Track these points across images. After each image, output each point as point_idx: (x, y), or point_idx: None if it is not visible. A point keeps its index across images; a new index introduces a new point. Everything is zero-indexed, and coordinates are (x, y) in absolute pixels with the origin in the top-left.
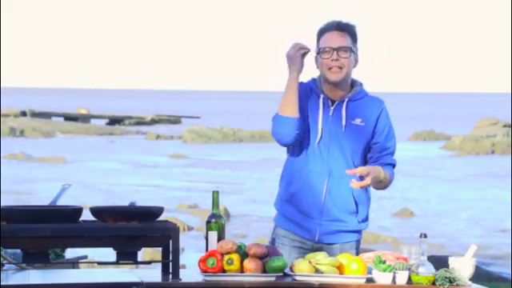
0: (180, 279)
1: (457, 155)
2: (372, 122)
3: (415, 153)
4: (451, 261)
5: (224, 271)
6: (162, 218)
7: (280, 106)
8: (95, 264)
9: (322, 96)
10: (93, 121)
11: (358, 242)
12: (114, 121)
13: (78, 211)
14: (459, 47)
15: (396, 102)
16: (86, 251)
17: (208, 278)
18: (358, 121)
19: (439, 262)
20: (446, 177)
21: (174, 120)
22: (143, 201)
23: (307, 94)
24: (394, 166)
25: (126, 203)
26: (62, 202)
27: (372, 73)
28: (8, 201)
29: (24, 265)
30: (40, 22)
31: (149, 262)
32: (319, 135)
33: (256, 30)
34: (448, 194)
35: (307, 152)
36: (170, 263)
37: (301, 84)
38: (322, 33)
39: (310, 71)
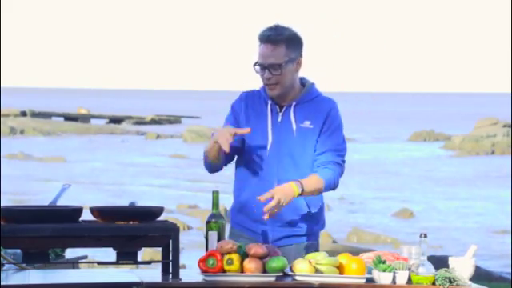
0: (180, 279)
1: (457, 155)
2: (320, 123)
3: (415, 153)
4: (451, 261)
5: (224, 271)
6: (161, 218)
7: (205, 151)
8: (95, 264)
9: (269, 102)
10: (93, 121)
11: (317, 243)
12: (114, 121)
13: (78, 211)
14: (459, 47)
15: (396, 102)
16: (86, 251)
17: (208, 278)
18: (306, 123)
19: (439, 262)
20: (445, 177)
21: (174, 120)
22: (143, 201)
23: (255, 101)
24: (338, 164)
25: (125, 203)
26: (61, 202)
27: (372, 73)
28: (8, 201)
29: (24, 265)
30: (40, 22)
31: (149, 262)
32: (269, 142)
33: (256, 29)
34: (448, 194)
35: (256, 160)
36: (170, 263)
37: (251, 92)
38: (259, 40)
39: None
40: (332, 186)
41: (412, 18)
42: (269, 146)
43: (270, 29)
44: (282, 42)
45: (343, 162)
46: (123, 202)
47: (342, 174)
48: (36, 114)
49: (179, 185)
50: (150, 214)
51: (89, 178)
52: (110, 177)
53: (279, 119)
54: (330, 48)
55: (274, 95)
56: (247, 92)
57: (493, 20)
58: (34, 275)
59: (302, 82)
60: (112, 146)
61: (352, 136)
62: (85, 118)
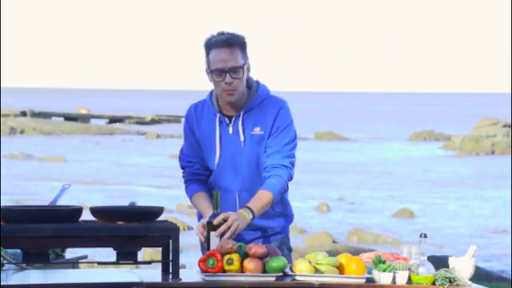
0: (180, 279)
1: (457, 155)
2: (269, 127)
3: (415, 153)
4: (451, 261)
5: (224, 271)
6: (161, 218)
7: (196, 208)
8: (95, 264)
9: (218, 115)
10: (93, 121)
11: (288, 238)
12: (114, 121)
13: (78, 211)
14: (459, 47)
15: (396, 102)
16: (86, 251)
17: (208, 278)
18: (257, 130)
19: (439, 262)
20: (445, 177)
21: (174, 120)
22: (143, 201)
23: (204, 114)
24: (285, 165)
25: (126, 203)
26: (61, 202)
27: (372, 73)
28: (8, 201)
29: (24, 265)
30: (40, 21)
31: (149, 262)
32: (219, 156)
33: (255, 29)
34: (448, 194)
35: (215, 173)
36: (170, 263)
37: (200, 103)
38: (209, 47)
39: None
40: (282, 192)
41: (412, 17)
42: (220, 159)
43: (221, 34)
44: (237, 45)
45: (291, 163)
46: (123, 202)
47: (290, 176)
48: (36, 114)
49: (179, 185)
50: (150, 213)
51: (89, 178)
52: (110, 177)
53: (230, 131)
54: (329, 48)
55: (232, 101)
56: (196, 104)
57: (493, 20)
58: (34, 275)
59: (248, 82)
60: (112, 146)
61: (352, 136)
62: (85, 118)
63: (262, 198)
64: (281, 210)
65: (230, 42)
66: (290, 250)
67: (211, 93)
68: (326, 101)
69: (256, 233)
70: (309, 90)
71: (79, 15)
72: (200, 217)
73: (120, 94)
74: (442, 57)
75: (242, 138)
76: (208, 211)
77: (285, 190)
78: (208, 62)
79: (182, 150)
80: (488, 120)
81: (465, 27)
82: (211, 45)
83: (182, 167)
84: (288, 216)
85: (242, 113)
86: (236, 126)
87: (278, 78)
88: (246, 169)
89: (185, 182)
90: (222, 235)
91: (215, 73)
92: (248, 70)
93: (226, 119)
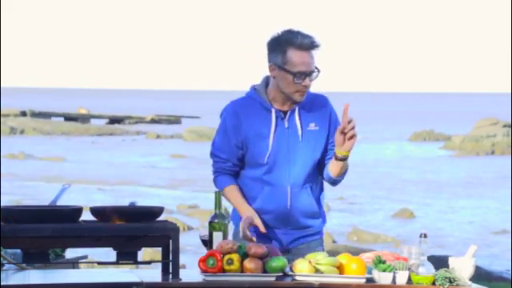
0: (180, 279)
1: (457, 155)
2: (325, 123)
3: (415, 153)
4: (451, 261)
5: (224, 271)
6: (162, 218)
7: (229, 201)
8: (95, 264)
9: (273, 110)
10: (93, 121)
11: (322, 239)
12: (114, 121)
13: (78, 211)
14: (459, 47)
15: (396, 101)
16: (86, 251)
17: (208, 278)
18: (312, 126)
19: (439, 262)
20: (445, 177)
21: (174, 120)
22: (143, 201)
23: (250, 110)
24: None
25: (126, 203)
26: (61, 202)
27: (372, 73)
28: (8, 201)
29: (24, 265)
30: (40, 21)
31: (149, 262)
32: (277, 150)
33: (256, 29)
34: (448, 194)
35: (265, 167)
36: (170, 263)
37: (242, 100)
38: (290, 45)
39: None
40: (344, 176)
41: (412, 18)
42: (277, 155)
43: (306, 36)
44: (316, 49)
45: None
46: (123, 202)
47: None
48: (36, 114)
49: (179, 185)
50: (150, 213)
51: (89, 178)
52: (109, 177)
53: (286, 125)
54: (329, 48)
55: (302, 100)
56: (237, 101)
57: (493, 20)
58: (34, 275)
59: None
60: (112, 146)
61: None
62: (85, 118)
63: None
64: (322, 209)
65: (314, 46)
66: (324, 250)
67: (254, 89)
68: None
69: (297, 232)
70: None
71: (79, 15)
72: (235, 211)
73: (120, 93)
74: (442, 57)
75: (299, 132)
76: (244, 208)
77: (346, 175)
78: (285, 60)
79: (214, 145)
80: (488, 120)
81: (465, 27)
82: (293, 44)
83: (214, 160)
84: (324, 218)
85: (297, 108)
86: (292, 120)
87: None
88: (300, 163)
89: (214, 173)
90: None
91: (297, 75)
92: None
93: (282, 113)
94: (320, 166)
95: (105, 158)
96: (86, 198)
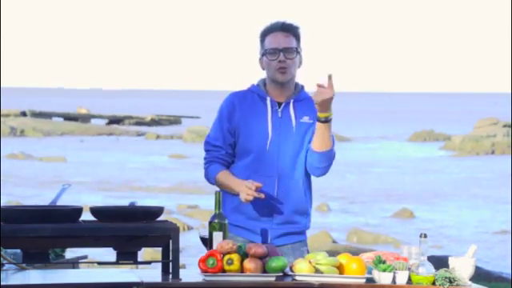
0: (180, 279)
1: (457, 155)
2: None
3: (415, 153)
4: (451, 261)
5: (224, 271)
6: (161, 218)
7: (222, 185)
8: (95, 264)
9: (268, 99)
10: (93, 121)
11: (306, 241)
12: (114, 121)
13: (78, 211)
14: (459, 47)
15: (396, 101)
16: (86, 251)
17: (208, 278)
18: (306, 118)
19: (439, 262)
20: (445, 177)
21: (174, 120)
22: (143, 201)
23: (249, 99)
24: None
25: (126, 203)
26: (61, 202)
27: (372, 73)
28: (8, 201)
29: (24, 265)
30: (40, 22)
31: (149, 262)
32: (270, 139)
33: (256, 30)
34: (448, 194)
35: (256, 156)
36: (170, 263)
37: (240, 92)
38: (266, 34)
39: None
40: (329, 158)
41: (412, 17)
42: (269, 143)
43: (278, 21)
44: (292, 32)
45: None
46: (123, 202)
47: (332, 162)
48: (36, 114)
49: (179, 185)
50: (150, 213)
51: (89, 178)
52: (109, 177)
53: (279, 115)
54: (329, 48)
55: (285, 80)
56: (236, 92)
57: (493, 20)
58: (34, 275)
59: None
60: (112, 146)
61: (352, 136)
62: (85, 118)
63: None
64: (310, 207)
65: (286, 27)
66: (308, 251)
67: (258, 83)
68: None
69: (282, 228)
70: (308, 90)
71: (79, 15)
72: (225, 193)
73: (120, 93)
74: (442, 57)
75: (293, 123)
76: (239, 184)
77: (331, 161)
78: (264, 47)
79: (209, 135)
80: (488, 120)
81: (465, 27)
82: (268, 30)
83: (207, 150)
84: (309, 219)
85: (292, 100)
86: (287, 111)
87: None
88: (291, 154)
89: (206, 163)
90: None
91: (269, 52)
92: (300, 62)
93: (276, 103)
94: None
95: (105, 158)
96: (85, 198)
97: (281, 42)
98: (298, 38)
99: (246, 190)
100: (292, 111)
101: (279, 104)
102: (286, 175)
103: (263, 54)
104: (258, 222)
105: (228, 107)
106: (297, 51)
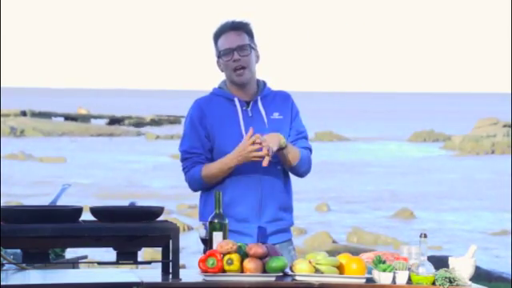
0: (180, 279)
1: (457, 155)
2: (288, 113)
3: (415, 153)
4: (451, 261)
5: (224, 271)
6: (161, 218)
7: (212, 174)
8: (95, 264)
9: (236, 99)
10: (93, 121)
11: (292, 240)
12: (114, 121)
13: (78, 211)
14: (459, 47)
15: (396, 101)
16: (86, 251)
17: (208, 278)
18: (276, 115)
19: (439, 262)
20: (445, 177)
21: (174, 120)
22: (143, 201)
23: (213, 104)
24: (310, 150)
25: (126, 203)
26: (61, 202)
27: (372, 73)
28: (8, 201)
29: (24, 265)
30: (40, 21)
31: (149, 262)
32: (245, 135)
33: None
34: (448, 194)
35: None
36: (170, 263)
37: (206, 97)
38: (218, 35)
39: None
40: (305, 163)
41: (412, 17)
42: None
43: (228, 21)
44: (243, 29)
45: (310, 149)
46: (123, 202)
47: (310, 160)
48: (36, 114)
49: (179, 185)
50: (150, 213)
51: (89, 179)
52: (109, 177)
53: (249, 114)
54: (329, 48)
55: (244, 81)
56: (200, 98)
57: (493, 20)
58: (34, 275)
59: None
60: (112, 146)
61: (352, 136)
62: (85, 118)
63: (294, 148)
64: (291, 204)
65: (236, 26)
66: (294, 249)
67: (219, 86)
68: (326, 101)
69: (273, 225)
70: (309, 90)
71: (79, 15)
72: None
73: (120, 93)
74: (442, 57)
75: (265, 120)
76: (235, 150)
77: (307, 164)
78: (218, 50)
79: (182, 144)
80: (488, 120)
81: (465, 27)
82: (219, 32)
83: (185, 158)
84: (292, 214)
85: (259, 98)
86: (256, 109)
87: (278, 78)
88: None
89: (187, 168)
90: None
91: (223, 53)
92: (257, 58)
93: (244, 102)
94: None
95: (104, 158)
96: (86, 198)
97: (233, 41)
98: (250, 34)
99: (249, 148)
100: (262, 109)
101: (247, 103)
102: (268, 172)
103: (219, 56)
104: (247, 223)
105: (198, 113)
106: (251, 47)
